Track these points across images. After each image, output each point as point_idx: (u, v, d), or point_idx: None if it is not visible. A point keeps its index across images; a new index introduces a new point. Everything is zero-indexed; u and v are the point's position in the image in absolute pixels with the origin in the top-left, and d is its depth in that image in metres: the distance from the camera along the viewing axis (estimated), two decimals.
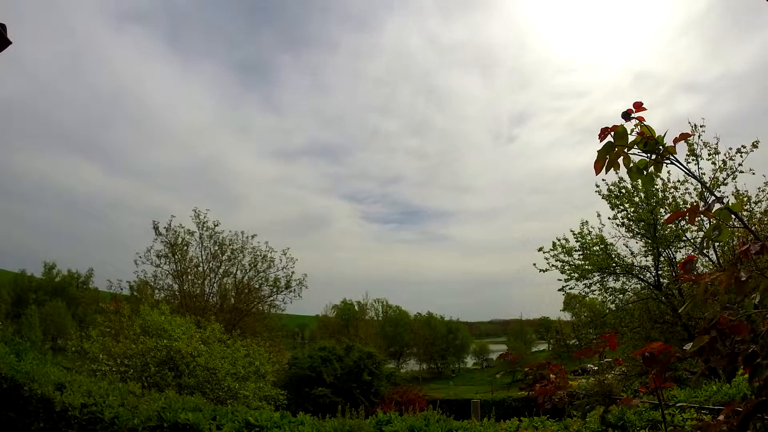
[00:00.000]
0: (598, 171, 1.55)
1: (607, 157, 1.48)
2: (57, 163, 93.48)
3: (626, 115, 1.44)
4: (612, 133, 1.45)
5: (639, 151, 1.50)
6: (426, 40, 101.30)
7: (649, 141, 1.45)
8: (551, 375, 1.87)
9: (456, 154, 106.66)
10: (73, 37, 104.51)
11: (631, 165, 1.51)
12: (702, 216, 1.59)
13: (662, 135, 1.45)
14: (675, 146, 1.45)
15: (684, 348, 1.53)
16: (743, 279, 1.39)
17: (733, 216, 1.54)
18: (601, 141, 1.49)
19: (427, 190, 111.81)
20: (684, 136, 1.47)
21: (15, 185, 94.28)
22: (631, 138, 1.47)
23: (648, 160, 1.49)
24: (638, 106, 1.44)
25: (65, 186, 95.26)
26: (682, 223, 12.32)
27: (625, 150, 1.47)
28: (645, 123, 1.44)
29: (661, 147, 1.45)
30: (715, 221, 1.49)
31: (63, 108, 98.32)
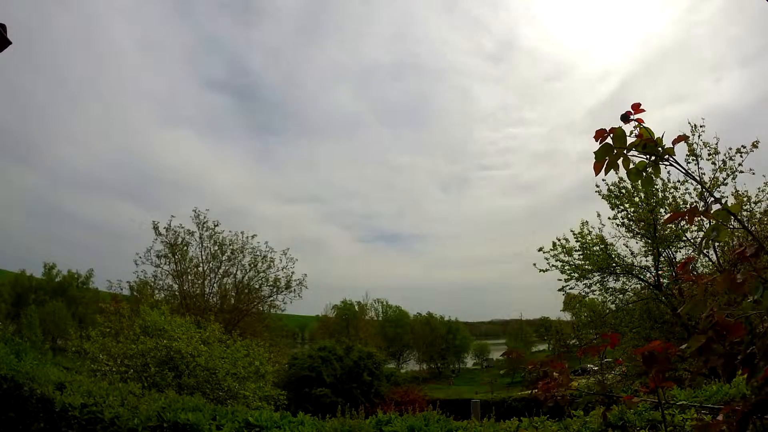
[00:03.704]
0: (597, 172, 1.55)
1: (607, 158, 1.48)
2: (106, 206, 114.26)
3: (625, 118, 1.44)
4: (611, 135, 1.45)
5: (638, 152, 1.50)
6: (372, 143, 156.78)
7: (648, 143, 1.45)
8: (554, 373, 1.88)
9: (418, 202, 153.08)
10: (130, 134, 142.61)
11: (631, 166, 1.51)
12: (701, 217, 1.59)
13: (660, 137, 1.45)
14: (674, 148, 1.46)
15: (681, 348, 1.53)
16: (739, 281, 1.39)
17: (732, 216, 1.54)
18: (598, 142, 1.49)
19: (401, 222, 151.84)
20: (681, 138, 1.47)
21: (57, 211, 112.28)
22: (630, 140, 1.47)
23: (647, 161, 1.49)
24: (636, 107, 1.44)
25: (103, 217, 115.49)
26: (682, 223, 12.31)
27: (625, 152, 1.47)
28: (644, 125, 1.44)
29: (660, 149, 1.45)
30: (714, 222, 1.49)
31: (118, 173, 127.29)
